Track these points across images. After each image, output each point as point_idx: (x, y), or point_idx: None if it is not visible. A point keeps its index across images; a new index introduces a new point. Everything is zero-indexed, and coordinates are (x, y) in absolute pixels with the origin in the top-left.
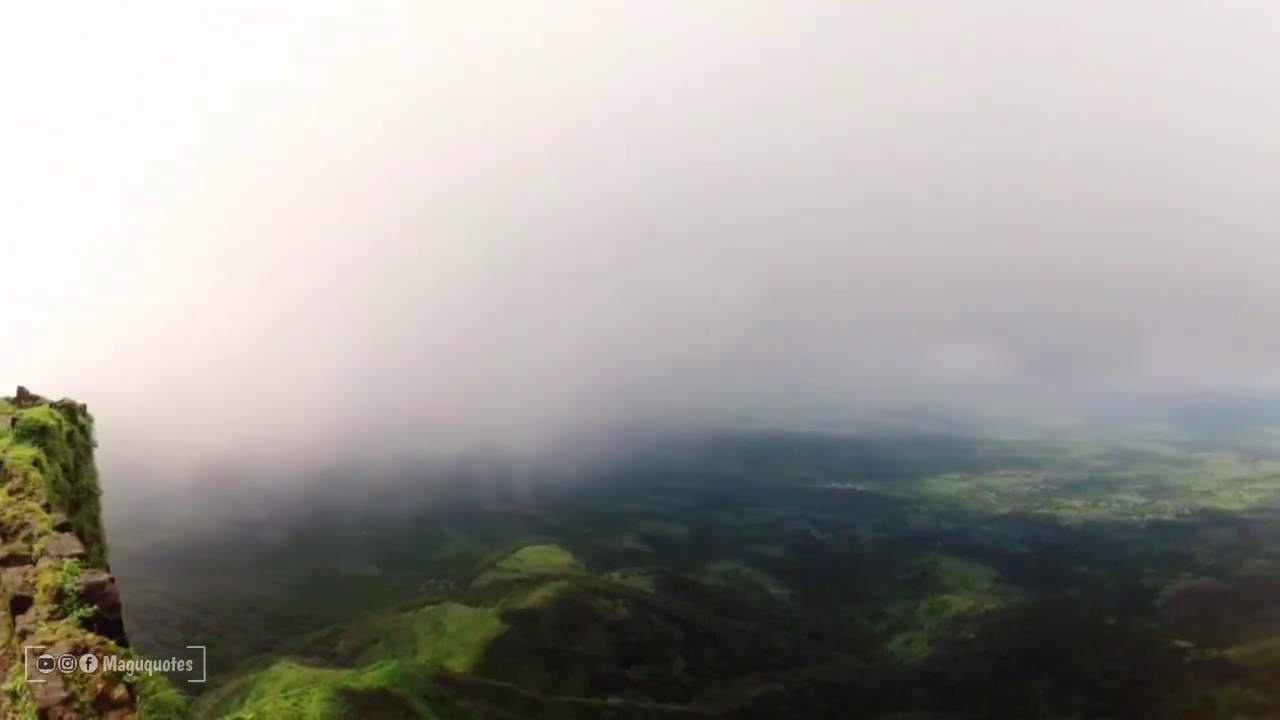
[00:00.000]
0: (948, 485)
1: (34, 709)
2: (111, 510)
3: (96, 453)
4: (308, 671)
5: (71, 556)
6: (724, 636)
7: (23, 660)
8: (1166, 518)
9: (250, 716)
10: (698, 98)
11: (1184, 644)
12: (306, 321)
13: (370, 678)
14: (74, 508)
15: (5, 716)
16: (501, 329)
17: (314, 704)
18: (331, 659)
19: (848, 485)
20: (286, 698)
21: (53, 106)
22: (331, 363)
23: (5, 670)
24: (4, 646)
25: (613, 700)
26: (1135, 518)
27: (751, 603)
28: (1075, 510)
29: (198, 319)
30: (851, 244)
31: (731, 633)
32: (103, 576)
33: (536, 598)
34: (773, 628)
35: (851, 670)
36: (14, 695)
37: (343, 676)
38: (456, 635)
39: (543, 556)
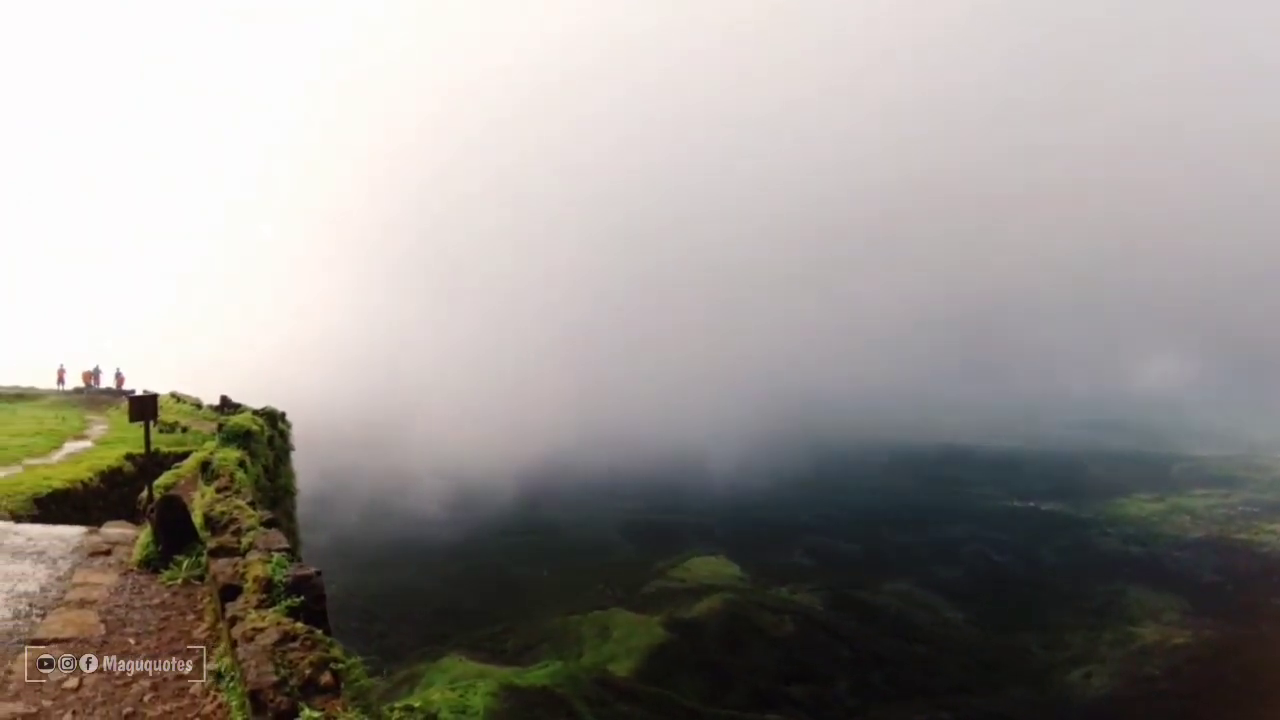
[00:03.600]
0: (1139, 506)
1: (241, 690)
2: (303, 507)
3: (294, 454)
4: (475, 666)
5: (279, 550)
6: (891, 659)
7: (230, 644)
8: None
9: (419, 704)
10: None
11: None
12: (527, 337)
13: (535, 676)
14: (272, 504)
15: (209, 695)
16: (708, 334)
17: (479, 697)
18: (499, 655)
19: (1031, 504)
20: (454, 689)
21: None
22: (548, 381)
23: (210, 652)
24: (209, 630)
25: (772, 717)
26: None
27: (922, 625)
28: (1276, 535)
29: (413, 332)
30: (1044, 250)
31: (900, 655)
32: (310, 569)
33: (702, 608)
34: (943, 652)
35: (1024, 703)
36: (218, 675)
37: (508, 673)
38: (621, 640)
39: (711, 567)
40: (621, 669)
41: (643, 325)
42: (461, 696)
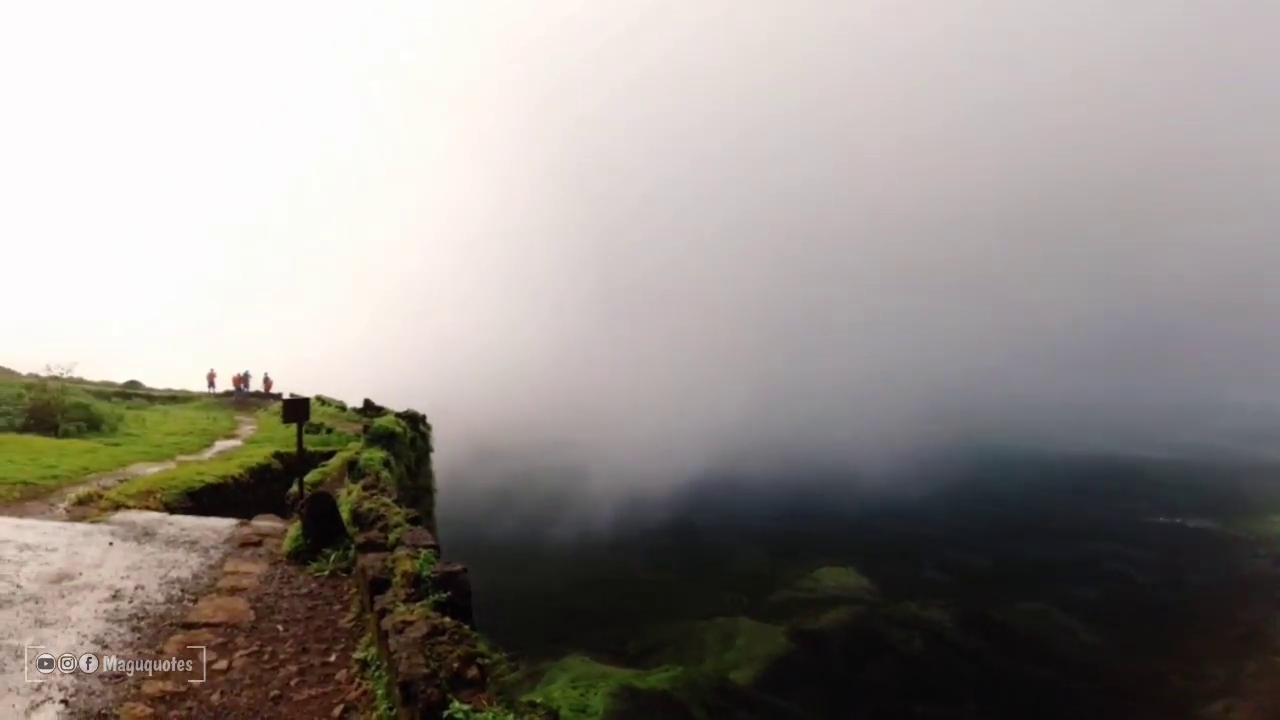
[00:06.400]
0: None
1: (390, 679)
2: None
3: (434, 455)
4: (597, 667)
5: (427, 547)
6: (1022, 682)
7: (377, 634)
8: None
9: (540, 699)
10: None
11: None
12: (700, 344)
13: (655, 679)
14: (413, 502)
15: (354, 682)
16: (876, 341)
17: (599, 697)
18: (620, 657)
19: (1178, 520)
20: (574, 688)
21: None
22: (715, 391)
23: (355, 641)
24: (355, 620)
25: None
26: None
27: (1056, 648)
28: None
29: (588, 335)
30: (1202, 249)
31: (1030, 679)
32: (457, 566)
33: (827, 619)
34: (1075, 677)
35: None
36: (364, 664)
37: (629, 675)
38: (744, 649)
39: (839, 578)
40: (742, 677)
41: (810, 331)
42: (582, 695)
